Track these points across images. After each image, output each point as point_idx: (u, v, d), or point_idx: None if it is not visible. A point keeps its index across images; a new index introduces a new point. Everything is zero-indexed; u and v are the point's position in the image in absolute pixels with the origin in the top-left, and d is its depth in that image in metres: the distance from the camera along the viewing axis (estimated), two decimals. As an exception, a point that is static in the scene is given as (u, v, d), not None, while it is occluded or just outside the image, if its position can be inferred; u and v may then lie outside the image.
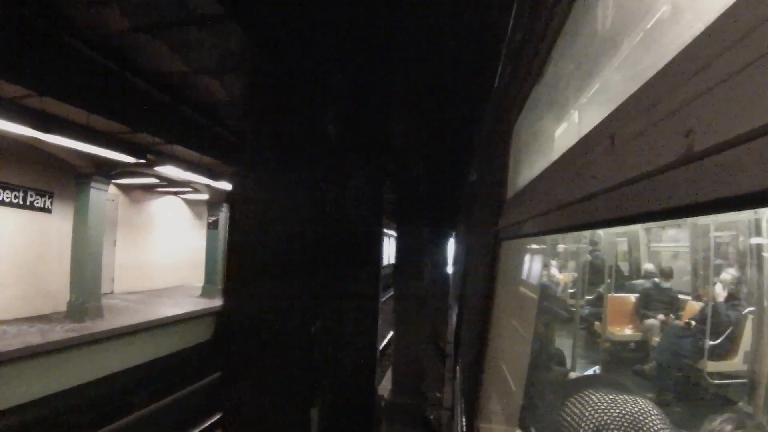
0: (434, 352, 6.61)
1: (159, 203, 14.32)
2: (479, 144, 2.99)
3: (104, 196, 9.11)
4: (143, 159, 7.92)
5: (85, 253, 8.69)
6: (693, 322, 4.64)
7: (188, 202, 15.52)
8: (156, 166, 8.51)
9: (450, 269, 8.42)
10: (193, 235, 15.53)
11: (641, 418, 0.97)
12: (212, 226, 13.25)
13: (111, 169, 8.90)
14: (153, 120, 6.67)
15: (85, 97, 5.58)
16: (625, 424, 0.96)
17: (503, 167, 1.40)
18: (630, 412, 0.98)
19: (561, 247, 8.86)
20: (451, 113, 4.04)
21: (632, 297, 6.14)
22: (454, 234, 8.49)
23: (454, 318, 6.56)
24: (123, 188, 12.49)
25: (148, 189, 13.37)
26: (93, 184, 8.70)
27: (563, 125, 1.25)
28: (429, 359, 6.47)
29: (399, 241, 7.84)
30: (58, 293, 9.17)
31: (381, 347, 11.72)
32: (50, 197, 9.35)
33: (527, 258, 1.45)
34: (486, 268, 1.52)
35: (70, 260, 8.84)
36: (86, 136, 6.81)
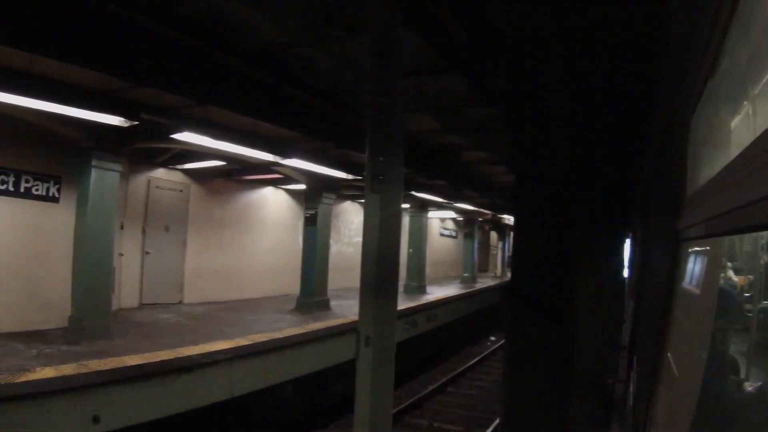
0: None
1: (253, 195, 11.89)
2: (653, 141, 2.83)
3: (112, 177, 6.91)
4: (135, 120, 5.72)
5: (88, 254, 6.59)
6: None
7: (294, 194, 12.71)
8: (173, 133, 6.22)
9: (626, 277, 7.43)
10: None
11: None
12: (309, 221, 10.18)
13: (120, 142, 6.81)
14: (168, 70, 4.61)
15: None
16: None
17: (681, 164, 1.35)
18: None
19: (738, 248, 7.88)
20: (618, 111, 3.87)
21: (810, 302, 5.29)
22: (630, 235, 7.82)
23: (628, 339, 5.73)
24: (196, 176, 10.26)
25: (234, 178, 10.94)
26: (94, 162, 6.61)
27: (743, 119, 1.18)
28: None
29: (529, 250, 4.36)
30: (63, 304, 6.88)
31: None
32: (56, 183, 7.56)
33: (705, 259, 1.38)
34: (665, 270, 1.47)
35: (72, 262, 6.78)
36: (28, 88, 4.66)
